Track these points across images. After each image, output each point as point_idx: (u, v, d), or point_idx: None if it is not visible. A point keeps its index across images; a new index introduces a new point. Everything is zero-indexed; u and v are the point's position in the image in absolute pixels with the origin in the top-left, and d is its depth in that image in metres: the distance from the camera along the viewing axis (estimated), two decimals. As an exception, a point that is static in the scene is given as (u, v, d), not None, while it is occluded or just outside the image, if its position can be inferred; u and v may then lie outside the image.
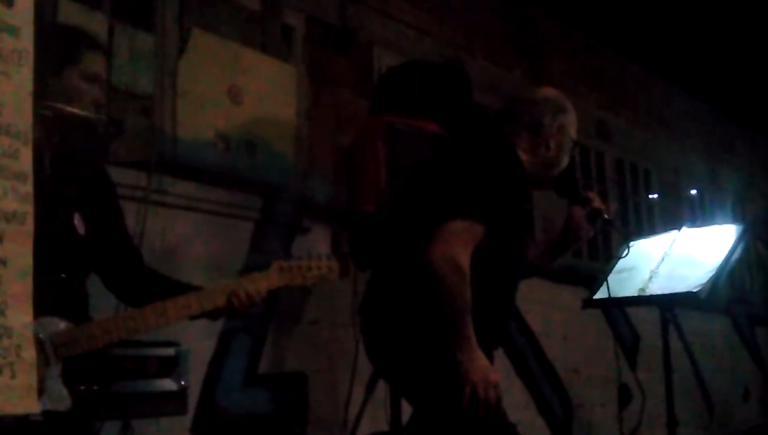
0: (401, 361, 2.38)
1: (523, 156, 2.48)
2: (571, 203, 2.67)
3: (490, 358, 2.38)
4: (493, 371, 2.25)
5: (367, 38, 4.57)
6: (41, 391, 1.76)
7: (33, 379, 1.54)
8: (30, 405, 1.54)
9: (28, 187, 1.53)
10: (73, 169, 2.08)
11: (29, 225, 1.53)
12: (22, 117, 1.53)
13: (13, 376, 1.46)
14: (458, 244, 2.23)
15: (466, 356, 2.21)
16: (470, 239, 2.25)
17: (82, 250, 2.06)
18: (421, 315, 2.30)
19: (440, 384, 2.28)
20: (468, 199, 2.31)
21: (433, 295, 2.23)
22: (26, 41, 1.53)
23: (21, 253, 1.51)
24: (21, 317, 1.51)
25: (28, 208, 1.52)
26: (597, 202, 2.61)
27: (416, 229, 2.33)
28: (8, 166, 1.49)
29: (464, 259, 2.22)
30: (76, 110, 1.99)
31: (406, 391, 2.55)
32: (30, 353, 1.53)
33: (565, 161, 2.58)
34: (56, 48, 1.99)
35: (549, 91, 2.64)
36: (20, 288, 1.51)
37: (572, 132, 2.58)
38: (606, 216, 2.60)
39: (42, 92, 1.84)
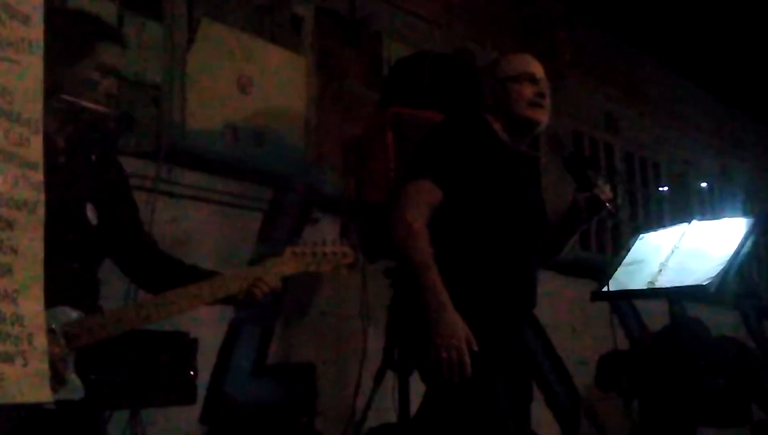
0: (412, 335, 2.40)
1: (496, 124, 2.56)
2: (577, 185, 2.65)
3: (509, 326, 2.44)
4: (463, 329, 2.24)
5: (376, 29, 4.56)
6: (56, 381, 1.76)
7: (45, 368, 1.54)
8: (43, 394, 1.53)
9: (39, 176, 1.53)
10: (85, 159, 2.08)
11: (40, 213, 1.52)
12: (33, 105, 1.52)
13: (25, 364, 1.46)
14: (409, 205, 2.36)
15: (432, 314, 2.25)
16: (422, 199, 2.37)
17: (94, 240, 2.06)
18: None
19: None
20: (418, 162, 2.47)
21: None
22: (36, 29, 1.52)
23: (32, 241, 1.51)
24: (32, 305, 1.51)
25: (40, 197, 1.52)
26: (604, 194, 2.58)
27: None
28: (19, 155, 1.49)
29: (413, 217, 2.33)
30: (89, 103, 1.98)
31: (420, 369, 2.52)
32: (42, 341, 1.53)
33: (520, 98, 2.54)
34: (70, 38, 1.97)
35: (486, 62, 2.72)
36: (31, 276, 1.51)
37: (509, 70, 2.58)
38: (608, 205, 2.57)
39: (55, 83, 1.83)
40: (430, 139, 2.54)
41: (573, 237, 2.74)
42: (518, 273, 2.49)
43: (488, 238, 2.42)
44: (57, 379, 1.77)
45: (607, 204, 2.57)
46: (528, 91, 2.54)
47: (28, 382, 1.47)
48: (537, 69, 2.60)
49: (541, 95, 2.55)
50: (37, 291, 1.52)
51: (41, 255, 1.53)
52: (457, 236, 2.40)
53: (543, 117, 2.56)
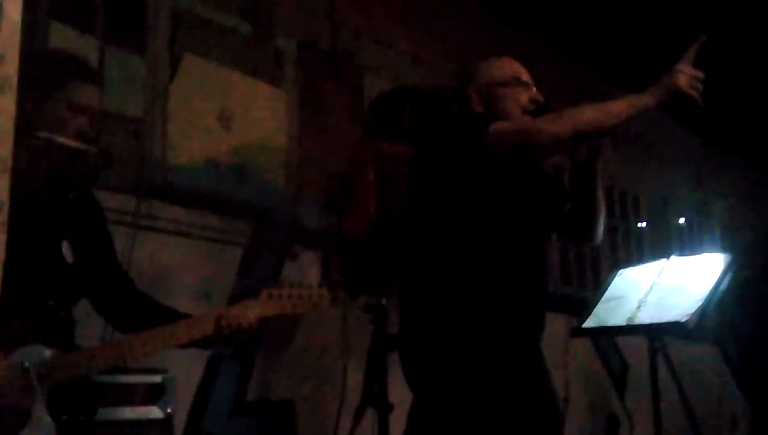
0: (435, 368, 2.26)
1: None
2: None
3: (530, 344, 2.31)
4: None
5: (358, 64, 4.59)
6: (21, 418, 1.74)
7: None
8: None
9: (3, 216, 1.51)
10: (62, 197, 2.06)
11: (1, 254, 1.50)
12: (3, 144, 1.51)
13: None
14: (513, 122, 2.20)
15: (646, 97, 2.10)
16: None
17: (70, 277, 2.04)
18: (454, 318, 2.21)
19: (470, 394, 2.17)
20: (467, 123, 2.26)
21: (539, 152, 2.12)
22: (10, 68, 1.51)
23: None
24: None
25: (1, 238, 1.50)
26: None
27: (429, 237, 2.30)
28: (-16, 194, 1.46)
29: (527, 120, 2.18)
30: (65, 141, 1.97)
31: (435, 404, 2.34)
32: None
33: (516, 105, 2.37)
34: (44, 75, 1.97)
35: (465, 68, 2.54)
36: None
37: (497, 75, 2.42)
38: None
39: (29, 121, 1.82)
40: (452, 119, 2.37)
41: (592, 196, 2.48)
42: (530, 283, 2.34)
43: (499, 247, 2.28)
44: (21, 417, 1.74)
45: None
46: (523, 96, 2.38)
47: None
48: (525, 72, 2.45)
49: (536, 101, 2.38)
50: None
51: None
52: (467, 247, 2.25)
53: None
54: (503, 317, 2.24)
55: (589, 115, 2.08)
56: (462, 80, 2.48)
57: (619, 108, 2.09)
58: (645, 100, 2.11)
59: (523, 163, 2.31)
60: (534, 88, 2.42)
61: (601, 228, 2.55)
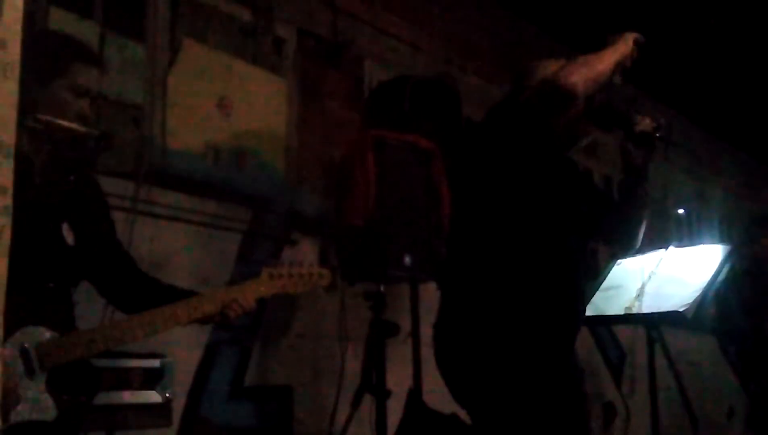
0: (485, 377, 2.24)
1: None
2: (624, 138, 2.49)
3: (568, 344, 2.32)
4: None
5: (358, 52, 4.58)
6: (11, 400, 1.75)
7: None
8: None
9: (8, 201, 1.51)
10: (62, 179, 2.07)
11: (6, 239, 1.50)
12: (6, 130, 1.51)
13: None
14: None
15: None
16: None
17: (70, 259, 2.04)
18: (503, 329, 2.21)
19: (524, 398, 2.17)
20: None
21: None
22: (13, 54, 1.51)
23: (-4, 266, 1.49)
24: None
25: (6, 222, 1.50)
26: (641, 125, 2.44)
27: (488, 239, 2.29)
28: (-12, 179, 1.47)
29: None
30: (66, 123, 1.97)
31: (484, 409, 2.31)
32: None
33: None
34: (46, 58, 1.97)
35: (523, 67, 2.57)
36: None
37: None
38: (658, 134, 2.44)
39: (30, 103, 1.82)
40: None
41: (643, 202, 2.56)
42: (573, 284, 2.37)
43: (549, 247, 2.30)
44: (12, 398, 1.75)
45: (657, 133, 2.44)
46: None
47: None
48: None
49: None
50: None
51: (5, 282, 1.50)
52: (517, 244, 2.26)
53: None
54: (547, 317, 2.26)
55: (595, 61, 2.25)
56: (518, 78, 2.53)
57: (610, 56, 2.29)
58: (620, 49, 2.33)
59: (555, 115, 2.29)
60: None
61: (642, 233, 2.61)
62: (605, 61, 2.27)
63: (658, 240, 6.61)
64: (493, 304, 2.25)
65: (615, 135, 2.56)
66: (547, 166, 2.34)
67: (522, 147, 2.26)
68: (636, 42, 2.39)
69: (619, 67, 2.33)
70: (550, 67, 2.39)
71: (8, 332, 1.81)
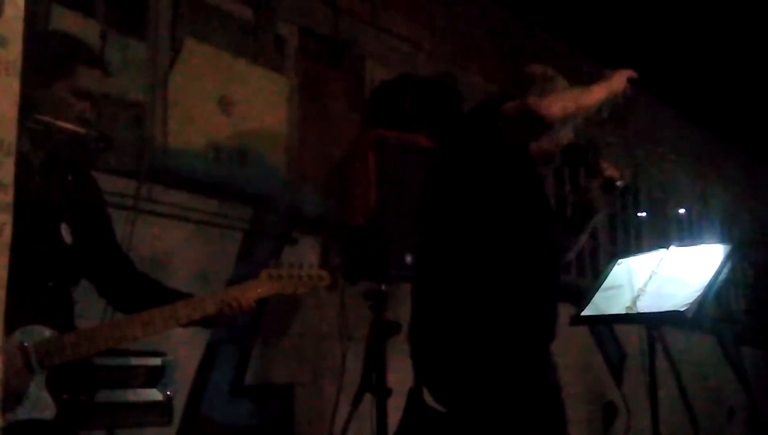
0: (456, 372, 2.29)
1: None
2: (586, 175, 2.64)
3: (545, 353, 2.35)
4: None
5: (359, 51, 4.58)
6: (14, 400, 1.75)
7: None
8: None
9: (9, 198, 1.51)
10: (61, 179, 2.07)
11: (6, 236, 1.50)
12: (7, 128, 1.51)
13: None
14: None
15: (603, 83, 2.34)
16: None
17: (69, 259, 2.05)
18: (475, 325, 2.24)
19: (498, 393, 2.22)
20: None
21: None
22: (14, 52, 1.51)
23: (-4, 264, 1.49)
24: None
25: (7, 219, 1.50)
26: (609, 171, 2.57)
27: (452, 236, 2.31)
28: (-11, 176, 1.47)
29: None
30: (65, 124, 1.97)
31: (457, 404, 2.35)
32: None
33: (564, 130, 2.50)
34: (49, 59, 1.97)
35: (534, 68, 2.62)
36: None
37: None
38: (618, 183, 2.57)
39: (31, 103, 1.82)
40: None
41: (583, 229, 2.71)
42: (547, 278, 2.42)
43: (518, 242, 2.33)
44: (14, 397, 1.76)
45: (618, 182, 2.58)
46: None
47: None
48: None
49: None
50: (-2, 316, 1.50)
51: (5, 279, 1.51)
52: (487, 241, 2.29)
53: None
54: (519, 313, 2.28)
55: (580, 96, 2.32)
56: (535, 84, 2.56)
57: (598, 92, 2.37)
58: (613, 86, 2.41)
59: (530, 139, 2.37)
60: None
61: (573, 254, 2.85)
62: (594, 96, 2.35)
63: (659, 239, 6.65)
64: (465, 300, 2.27)
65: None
66: (516, 163, 2.37)
67: (493, 154, 2.31)
68: (630, 79, 2.47)
69: (610, 103, 2.42)
70: (538, 88, 2.48)
71: (8, 331, 1.81)
